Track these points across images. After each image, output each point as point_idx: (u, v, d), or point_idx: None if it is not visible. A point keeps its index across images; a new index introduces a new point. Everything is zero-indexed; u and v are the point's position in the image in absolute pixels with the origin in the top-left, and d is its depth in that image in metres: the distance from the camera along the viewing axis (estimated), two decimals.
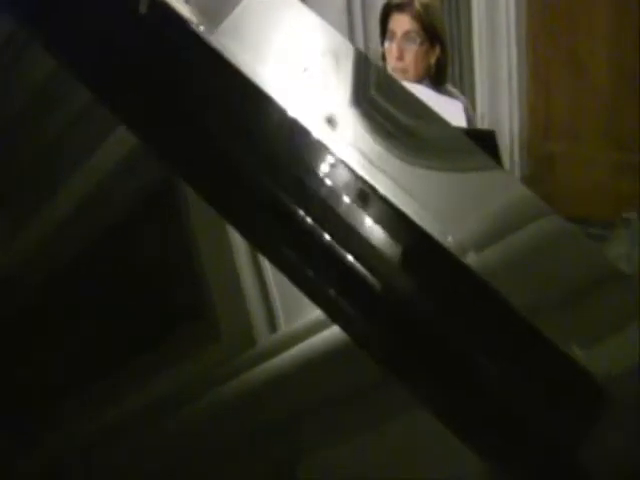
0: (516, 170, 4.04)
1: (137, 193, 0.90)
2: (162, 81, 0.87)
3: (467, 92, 3.85)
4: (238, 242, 0.85)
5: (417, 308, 0.78)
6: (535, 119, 4.07)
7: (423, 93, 2.38)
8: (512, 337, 0.75)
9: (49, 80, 0.94)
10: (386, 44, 2.64)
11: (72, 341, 0.91)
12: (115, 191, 0.91)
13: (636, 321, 0.79)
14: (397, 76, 2.59)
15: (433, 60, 2.64)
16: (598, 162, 3.92)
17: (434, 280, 0.79)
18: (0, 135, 0.97)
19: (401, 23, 2.60)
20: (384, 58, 2.66)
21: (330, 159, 0.82)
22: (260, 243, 0.84)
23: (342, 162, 0.81)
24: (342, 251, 0.80)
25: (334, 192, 0.82)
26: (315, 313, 0.80)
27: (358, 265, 0.79)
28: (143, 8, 0.87)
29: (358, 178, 0.80)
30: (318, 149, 0.83)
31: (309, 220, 0.81)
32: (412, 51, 2.59)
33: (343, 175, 0.81)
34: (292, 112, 0.84)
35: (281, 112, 0.83)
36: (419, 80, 2.62)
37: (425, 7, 2.60)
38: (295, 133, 0.83)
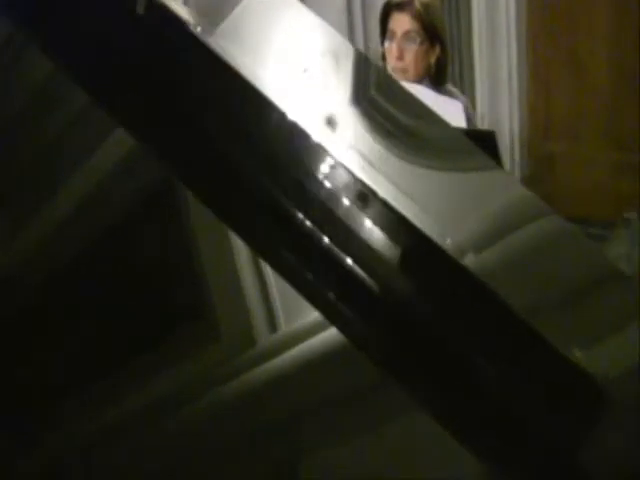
0: (516, 170, 4.04)
1: (137, 193, 0.90)
2: (160, 82, 0.87)
3: (467, 92, 3.85)
4: (238, 242, 0.85)
5: (416, 310, 0.78)
6: (535, 119, 4.07)
7: (423, 93, 2.38)
8: (510, 339, 0.75)
9: (49, 81, 0.94)
10: (386, 44, 2.63)
11: (72, 341, 0.91)
12: (115, 191, 0.91)
13: (636, 321, 0.79)
14: (397, 76, 2.59)
15: (433, 60, 2.64)
16: (598, 162, 3.92)
17: (433, 282, 0.79)
18: (0, 135, 0.97)
19: (401, 23, 2.60)
20: (384, 58, 2.66)
21: (329, 161, 0.82)
22: (259, 246, 0.84)
23: (341, 165, 0.81)
24: (341, 253, 0.80)
25: (333, 194, 0.82)
26: (315, 314, 0.80)
27: (357, 267, 0.79)
28: (140, 9, 0.87)
29: (357, 180, 0.80)
30: (317, 152, 0.83)
31: (308, 222, 0.81)
32: (412, 51, 2.59)
33: (342, 177, 0.81)
34: (292, 114, 0.84)
35: (280, 115, 0.83)
36: (419, 80, 2.61)
37: (425, 7, 2.60)
38: (294, 136, 0.83)
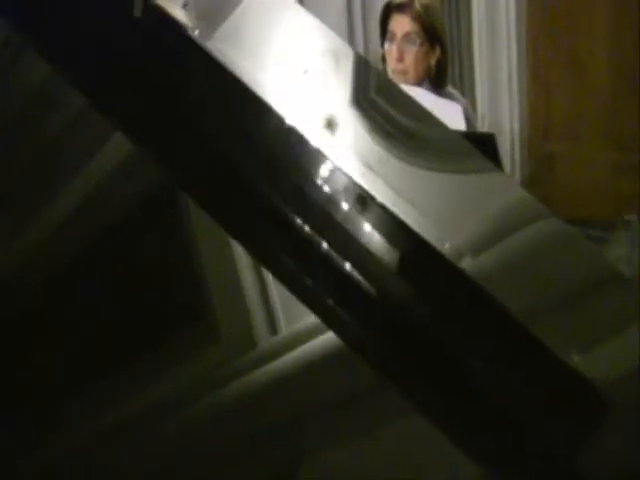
0: (517, 171, 4.03)
1: (138, 194, 0.90)
2: (157, 86, 0.88)
3: (467, 93, 3.85)
4: None
5: (414, 313, 0.78)
6: (535, 119, 4.07)
7: (421, 96, 2.38)
8: (508, 342, 0.75)
9: (46, 83, 0.94)
10: (386, 45, 2.63)
11: (72, 342, 0.91)
12: (116, 193, 0.91)
13: (636, 323, 0.79)
14: (397, 77, 2.59)
15: (433, 61, 2.63)
16: (598, 162, 3.92)
17: (431, 286, 0.79)
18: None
19: (401, 24, 2.59)
20: (384, 59, 2.65)
21: (328, 166, 0.82)
22: (258, 251, 0.84)
23: (340, 170, 0.81)
24: (340, 257, 0.80)
25: (332, 198, 0.82)
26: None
27: (355, 271, 0.79)
28: (137, 12, 0.87)
29: (356, 185, 0.80)
30: (316, 156, 0.83)
31: (307, 227, 0.82)
32: (412, 52, 2.58)
33: (341, 181, 0.81)
34: (291, 117, 0.84)
35: (279, 119, 0.83)
36: (419, 81, 2.61)
37: (425, 8, 2.59)
38: (293, 140, 0.83)
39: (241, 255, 0.85)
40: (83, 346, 0.91)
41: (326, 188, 0.82)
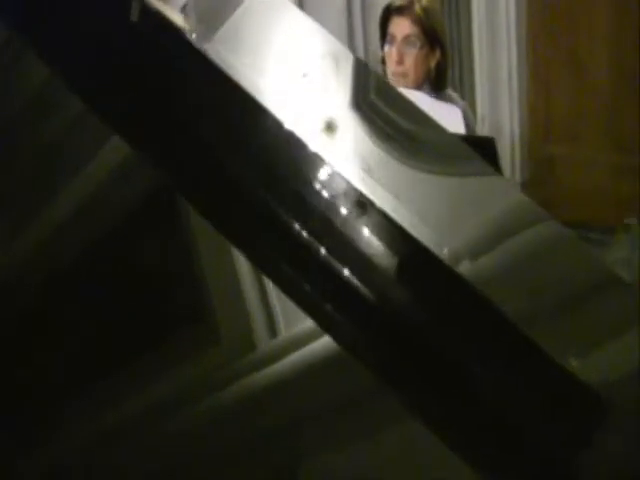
0: (517, 172, 4.03)
1: (138, 196, 0.90)
2: (155, 91, 0.88)
3: (467, 94, 3.85)
4: None
5: (412, 318, 0.78)
6: (535, 120, 4.07)
7: (421, 100, 2.37)
8: (506, 346, 0.75)
9: (45, 86, 0.94)
10: (386, 48, 2.62)
11: (73, 342, 0.91)
12: (116, 194, 0.91)
13: (636, 327, 0.80)
14: (397, 80, 2.58)
15: (433, 64, 2.63)
16: (598, 163, 3.92)
17: (429, 290, 0.79)
18: None
19: (401, 27, 2.59)
20: (384, 62, 2.65)
21: (328, 170, 0.82)
22: (257, 256, 0.84)
23: (339, 174, 0.81)
24: (338, 262, 0.80)
25: (331, 203, 0.82)
26: None
27: (354, 276, 0.79)
28: (134, 16, 0.87)
29: (355, 189, 0.80)
30: (315, 161, 0.83)
31: (306, 232, 0.82)
32: (412, 55, 2.58)
33: (340, 187, 0.81)
34: (291, 120, 0.84)
35: (277, 124, 0.84)
36: (419, 84, 2.61)
37: (425, 11, 2.59)
38: (292, 145, 0.83)
39: (241, 257, 0.85)
40: (83, 346, 0.91)
41: (325, 193, 0.82)
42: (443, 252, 0.77)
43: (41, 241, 0.94)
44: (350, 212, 0.81)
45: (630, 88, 3.72)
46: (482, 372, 0.75)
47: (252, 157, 0.85)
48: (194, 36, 0.88)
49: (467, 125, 2.51)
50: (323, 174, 0.83)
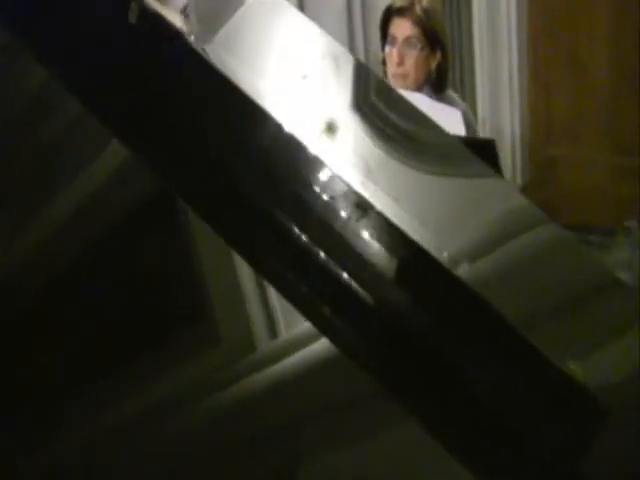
0: (518, 174, 4.03)
1: (138, 197, 0.90)
2: (154, 92, 0.88)
3: (468, 95, 3.85)
4: None
5: (411, 321, 0.78)
6: (536, 120, 4.07)
7: (421, 102, 2.37)
8: (505, 349, 0.75)
9: (43, 88, 0.94)
10: (387, 49, 2.62)
11: (73, 342, 0.91)
12: (116, 195, 0.91)
13: (636, 329, 0.80)
14: (397, 81, 2.58)
15: (434, 65, 2.62)
16: (599, 164, 3.92)
17: (428, 293, 0.79)
18: None
19: (402, 28, 2.58)
20: (384, 63, 2.65)
21: (327, 173, 0.82)
22: (256, 259, 0.84)
23: (339, 177, 0.81)
24: (338, 265, 0.80)
25: (331, 206, 0.82)
26: None
27: (353, 279, 0.79)
28: (133, 18, 0.87)
29: (355, 192, 0.80)
30: (315, 163, 0.83)
31: (306, 235, 0.82)
32: (413, 57, 2.57)
33: (340, 189, 0.82)
34: (291, 121, 0.84)
35: (277, 126, 0.84)
36: (419, 86, 2.60)
37: (426, 12, 2.58)
38: (292, 147, 0.83)
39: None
40: (83, 346, 0.91)
41: (325, 195, 0.82)
42: (442, 255, 0.77)
43: (41, 241, 0.94)
44: (350, 215, 0.81)
45: (630, 89, 3.72)
46: (481, 375, 0.75)
47: (252, 159, 0.85)
48: (193, 38, 0.88)
49: (468, 127, 2.51)
50: (323, 176, 0.83)
